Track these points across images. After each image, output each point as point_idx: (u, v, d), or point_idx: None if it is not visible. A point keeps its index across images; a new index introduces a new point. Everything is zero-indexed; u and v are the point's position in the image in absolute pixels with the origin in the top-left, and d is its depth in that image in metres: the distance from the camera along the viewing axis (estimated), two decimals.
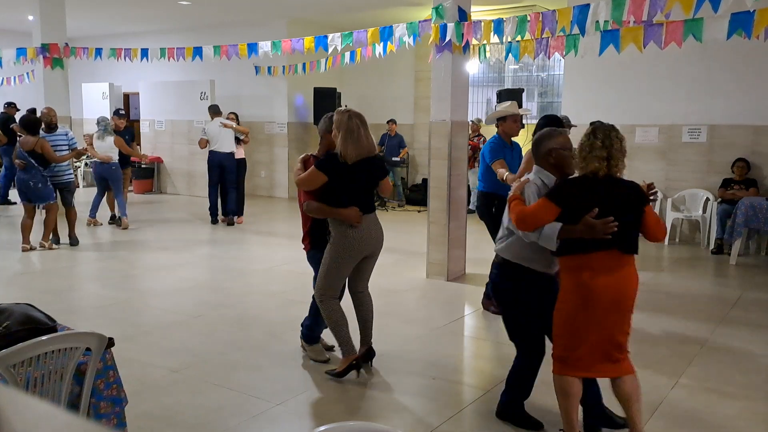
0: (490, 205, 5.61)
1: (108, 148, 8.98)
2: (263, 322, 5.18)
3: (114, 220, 9.62)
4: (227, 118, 9.95)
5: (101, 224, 9.50)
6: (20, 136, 7.74)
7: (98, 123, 9.17)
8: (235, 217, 9.95)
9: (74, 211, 8.06)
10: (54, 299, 5.73)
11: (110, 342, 2.58)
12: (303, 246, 4.31)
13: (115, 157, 9.02)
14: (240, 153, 10.01)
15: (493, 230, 5.96)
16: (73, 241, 8.00)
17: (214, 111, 9.90)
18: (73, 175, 8.20)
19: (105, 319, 5.16)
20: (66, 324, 2.92)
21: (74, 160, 13.97)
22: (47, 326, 2.62)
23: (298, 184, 4.00)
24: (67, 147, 8.01)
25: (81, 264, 7.25)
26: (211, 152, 9.67)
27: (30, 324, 2.56)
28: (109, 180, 9.12)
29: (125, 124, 9.95)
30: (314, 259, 4.22)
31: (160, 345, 4.63)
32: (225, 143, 9.63)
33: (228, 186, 9.78)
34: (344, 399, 3.78)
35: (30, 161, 7.40)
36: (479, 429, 3.50)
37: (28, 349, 2.33)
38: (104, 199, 9.56)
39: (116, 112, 9.81)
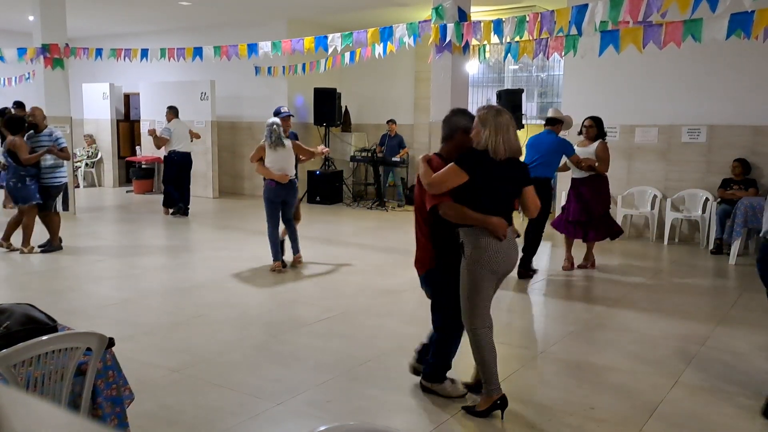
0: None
1: (284, 161, 6.73)
2: (263, 322, 5.19)
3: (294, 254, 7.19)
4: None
5: (301, 263, 7.13)
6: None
7: (268, 127, 6.78)
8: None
9: (58, 217, 7.75)
10: (54, 299, 5.73)
11: (110, 342, 2.59)
12: (417, 266, 3.74)
13: (293, 171, 6.85)
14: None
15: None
16: (56, 247, 7.73)
17: (175, 113, 10.80)
18: (59, 179, 7.67)
19: (105, 319, 5.17)
20: (66, 324, 2.93)
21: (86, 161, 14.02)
22: (48, 326, 2.62)
23: (429, 186, 3.40)
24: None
25: (81, 264, 7.26)
26: (173, 151, 10.57)
27: (30, 324, 2.57)
28: (286, 204, 6.89)
29: (289, 126, 7.24)
30: (436, 281, 3.69)
31: (160, 345, 4.63)
32: (188, 143, 10.69)
33: (185, 182, 10.70)
34: (344, 399, 3.78)
35: (8, 161, 7.32)
36: (479, 429, 3.50)
37: (28, 349, 2.34)
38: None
39: (278, 112, 7.20)
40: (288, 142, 6.77)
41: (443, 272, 3.63)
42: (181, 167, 10.61)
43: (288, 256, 7.14)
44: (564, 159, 6.82)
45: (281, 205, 6.82)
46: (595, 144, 6.86)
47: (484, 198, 3.37)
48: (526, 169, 3.61)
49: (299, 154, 6.94)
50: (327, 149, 7.73)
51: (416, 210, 3.71)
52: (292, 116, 7.36)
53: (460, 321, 3.60)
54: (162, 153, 11.29)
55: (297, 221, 7.19)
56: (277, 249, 6.92)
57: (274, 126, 6.63)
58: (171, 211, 10.65)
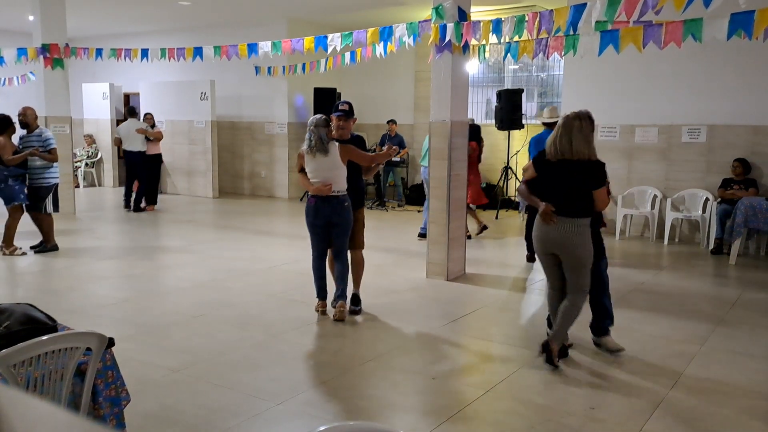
0: None
1: (326, 171, 5.05)
2: (263, 322, 5.18)
3: (356, 306, 5.47)
4: (145, 117, 11.55)
5: (343, 317, 5.21)
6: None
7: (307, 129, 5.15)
8: (145, 206, 11.24)
9: (50, 218, 7.62)
10: (54, 299, 5.73)
11: (110, 342, 2.59)
12: None
13: (343, 186, 5.10)
14: (155, 149, 11.45)
15: None
16: (51, 247, 7.68)
17: (130, 112, 11.40)
18: (49, 180, 7.52)
19: (105, 319, 5.17)
20: (66, 324, 2.93)
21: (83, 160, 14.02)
22: (48, 326, 2.62)
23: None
24: (41, 149, 7.44)
25: (81, 264, 7.25)
26: (123, 151, 11.30)
27: (30, 324, 2.57)
28: (334, 228, 5.15)
29: (347, 128, 5.33)
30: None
31: (160, 345, 4.63)
32: (134, 143, 11.10)
33: (140, 179, 11.22)
34: (344, 399, 3.78)
35: None
36: (479, 429, 3.50)
37: (28, 349, 2.34)
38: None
39: (336, 108, 5.30)
40: (334, 147, 5.04)
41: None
42: (130, 165, 11.18)
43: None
44: None
45: (326, 228, 5.15)
46: None
47: (539, 188, 4.26)
48: (587, 173, 4.07)
49: (354, 160, 5.15)
50: (396, 148, 5.83)
51: None
52: (349, 114, 5.29)
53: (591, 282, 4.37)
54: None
55: (358, 249, 5.48)
56: (321, 284, 5.33)
57: (312, 127, 5.05)
58: (144, 206, 11.20)
